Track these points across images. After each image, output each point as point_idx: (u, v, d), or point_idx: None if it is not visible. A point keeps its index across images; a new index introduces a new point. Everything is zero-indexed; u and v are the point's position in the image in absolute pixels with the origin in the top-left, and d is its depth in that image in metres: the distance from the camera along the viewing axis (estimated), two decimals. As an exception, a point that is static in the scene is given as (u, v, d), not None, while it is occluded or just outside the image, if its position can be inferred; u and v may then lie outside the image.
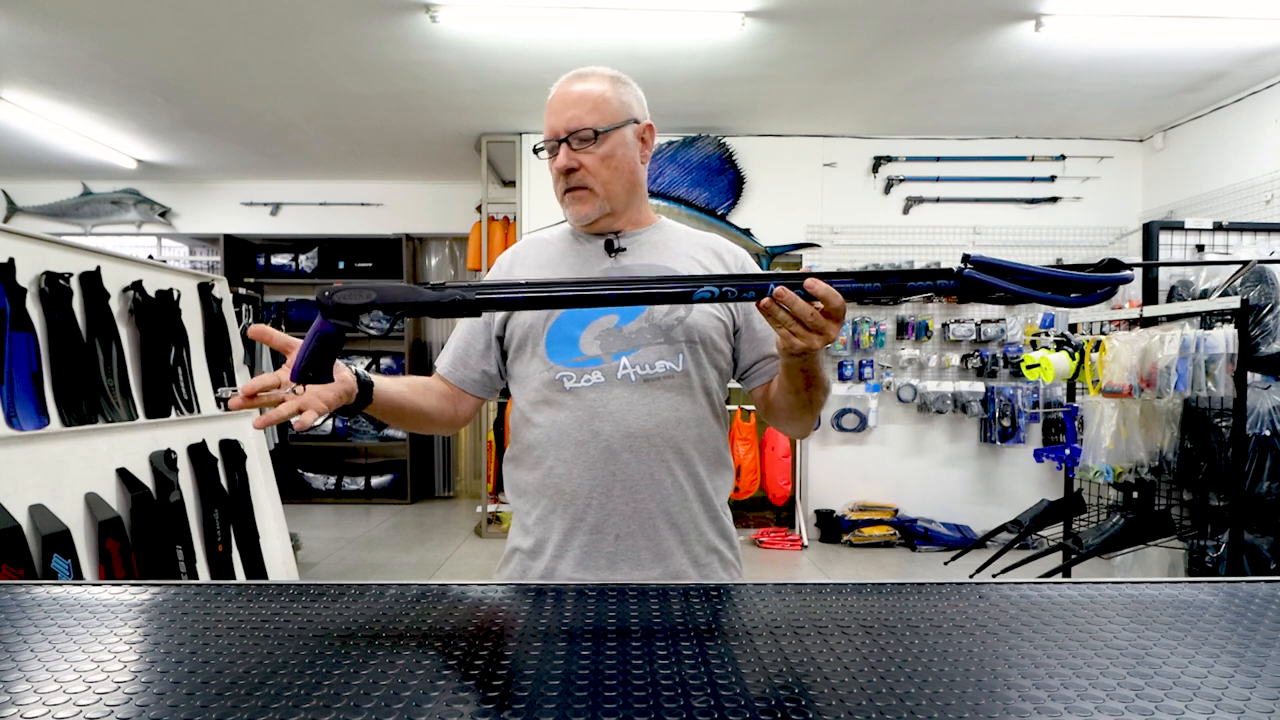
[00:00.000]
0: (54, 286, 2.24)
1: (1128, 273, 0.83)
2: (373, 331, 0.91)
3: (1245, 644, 0.67)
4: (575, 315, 1.10)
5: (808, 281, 0.86)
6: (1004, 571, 3.22)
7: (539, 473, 1.10)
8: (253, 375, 3.96)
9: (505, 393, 1.23)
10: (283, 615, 0.74)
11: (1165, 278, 3.27)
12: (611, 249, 1.14)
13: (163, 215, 6.09)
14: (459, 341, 1.20)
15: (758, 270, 1.23)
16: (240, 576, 2.88)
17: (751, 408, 4.55)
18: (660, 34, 3.48)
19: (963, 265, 0.86)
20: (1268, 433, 2.68)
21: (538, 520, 1.10)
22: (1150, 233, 3.24)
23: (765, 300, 0.86)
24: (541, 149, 1.14)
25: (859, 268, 4.81)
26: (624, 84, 1.15)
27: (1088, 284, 0.83)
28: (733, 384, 1.19)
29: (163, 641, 0.68)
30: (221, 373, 3.11)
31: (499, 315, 1.16)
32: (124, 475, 2.41)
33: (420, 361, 6.40)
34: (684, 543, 1.09)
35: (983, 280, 0.85)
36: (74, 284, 2.34)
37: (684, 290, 0.85)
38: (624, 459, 1.06)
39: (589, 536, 1.06)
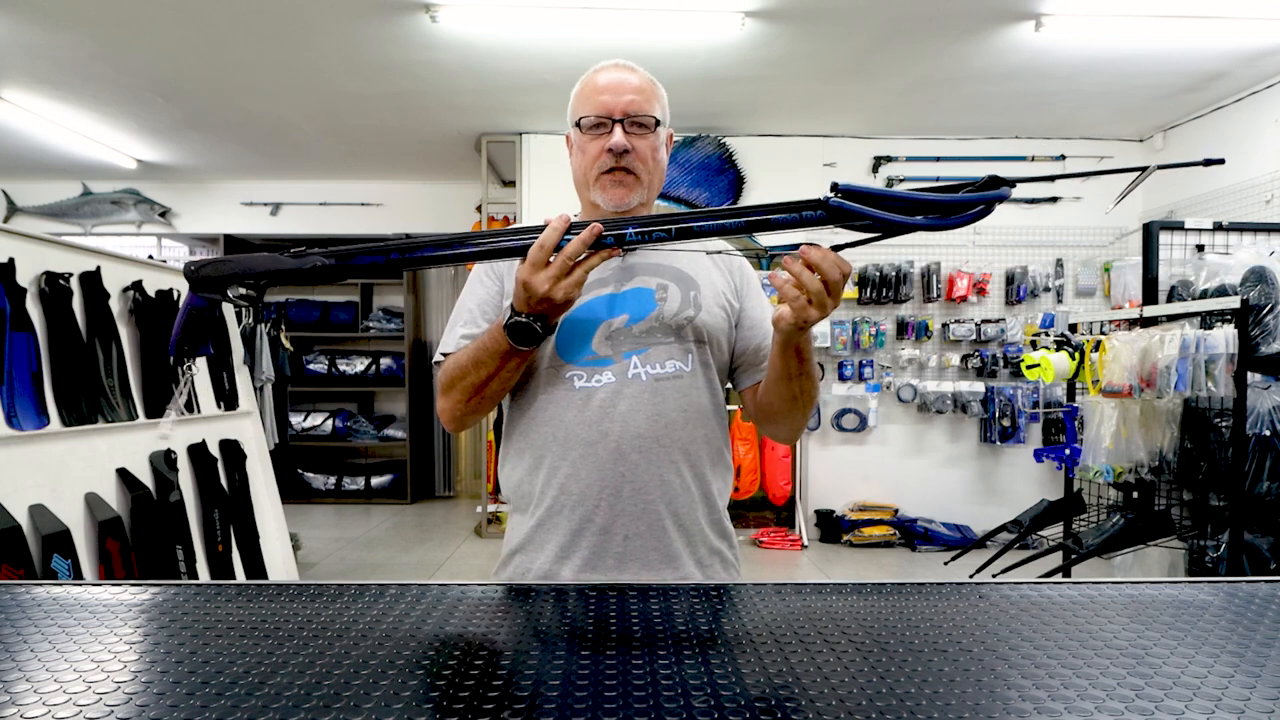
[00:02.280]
0: (54, 286, 2.24)
1: (1005, 189, 0.79)
2: (243, 303, 0.91)
3: (1245, 644, 0.67)
4: (585, 313, 1.08)
5: (802, 250, 0.87)
6: (1004, 571, 3.22)
7: (543, 472, 1.08)
8: (253, 375, 3.96)
9: None
10: (283, 615, 0.74)
11: (1165, 278, 3.26)
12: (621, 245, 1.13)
13: (163, 215, 6.09)
14: (481, 308, 1.13)
15: (756, 279, 1.23)
16: (240, 576, 2.88)
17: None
18: (660, 34, 3.48)
19: (830, 195, 0.83)
20: (1268, 433, 2.68)
21: (540, 521, 1.08)
22: (1150, 233, 3.24)
23: (793, 261, 0.87)
24: (589, 123, 1.09)
25: (859, 268, 4.81)
26: (660, 86, 1.16)
27: (964, 204, 0.79)
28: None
29: (163, 641, 0.68)
30: (221, 373, 3.10)
31: (507, 299, 1.10)
32: (124, 475, 2.41)
33: (421, 361, 6.40)
34: (690, 544, 1.09)
35: (850, 209, 0.81)
36: (74, 284, 2.34)
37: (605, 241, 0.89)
38: (633, 460, 1.05)
39: (597, 538, 1.05)
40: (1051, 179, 0.80)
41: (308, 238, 6.20)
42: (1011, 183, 0.80)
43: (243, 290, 0.89)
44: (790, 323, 0.92)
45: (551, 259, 0.90)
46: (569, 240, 0.89)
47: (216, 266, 0.88)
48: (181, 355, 0.90)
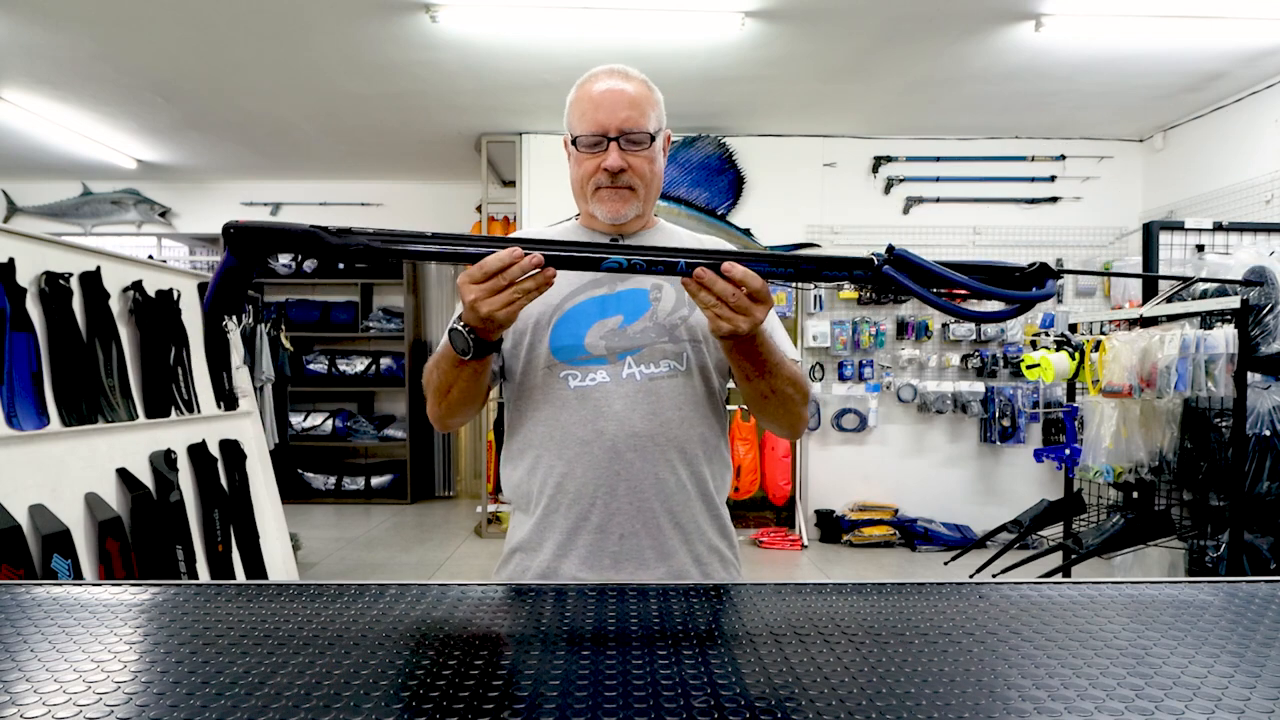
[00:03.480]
0: (54, 286, 2.23)
1: (1050, 288, 0.82)
2: (280, 270, 0.91)
3: (1245, 644, 0.67)
4: (580, 313, 1.09)
5: (725, 265, 0.87)
6: (1004, 571, 3.22)
7: (540, 472, 1.09)
8: (253, 375, 3.96)
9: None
10: (283, 615, 0.74)
11: (1165, 278, 3.27)
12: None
13: (163, 215, 6.09)
14: None
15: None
16: (240, 576, 2.88)
17: (751, 408, 4.56)
18: (660, 34, 3.48)
19: (885, 256, 0.85)
20: (1268, 433, 2.67)
21: (539, 520, 1.09)
22: (1150, 233, 3.24)
23: (686, 279, 0.88)
24: (585, 141, 1.08)
25: (859, 268, 4.81)
26: (656, 90, 1.15)
27: (1010, 298, 0.83)
28: (731, 383, 1.19)
29: (163, 641, 0.68)
30: (221, 373, 3.10)
31: None
32: (124, 475, 2.41)
33: (421, 361, 6.38)
34: (687, 542, 1.09)
35: (896, 278, 0.84)
36: (74, 284, 2.34)
37: (595, 256, 0.88)
38: (628, 458, 1.06)
39: (593, 536, 1.06)
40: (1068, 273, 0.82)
41: (308, 238, 6.19)
42: (1058, 274, 0.84)
43: (278, 260, 0.88)
44: (714, 333, 0.93)
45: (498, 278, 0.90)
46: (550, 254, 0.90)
47: (257, 227, 0.88)
48: (217, 314, 0.90)
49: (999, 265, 0.84)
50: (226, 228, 0.87)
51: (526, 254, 0.88)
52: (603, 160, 1.08)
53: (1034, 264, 0.82)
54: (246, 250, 0.88)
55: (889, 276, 0.84)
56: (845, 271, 0.86)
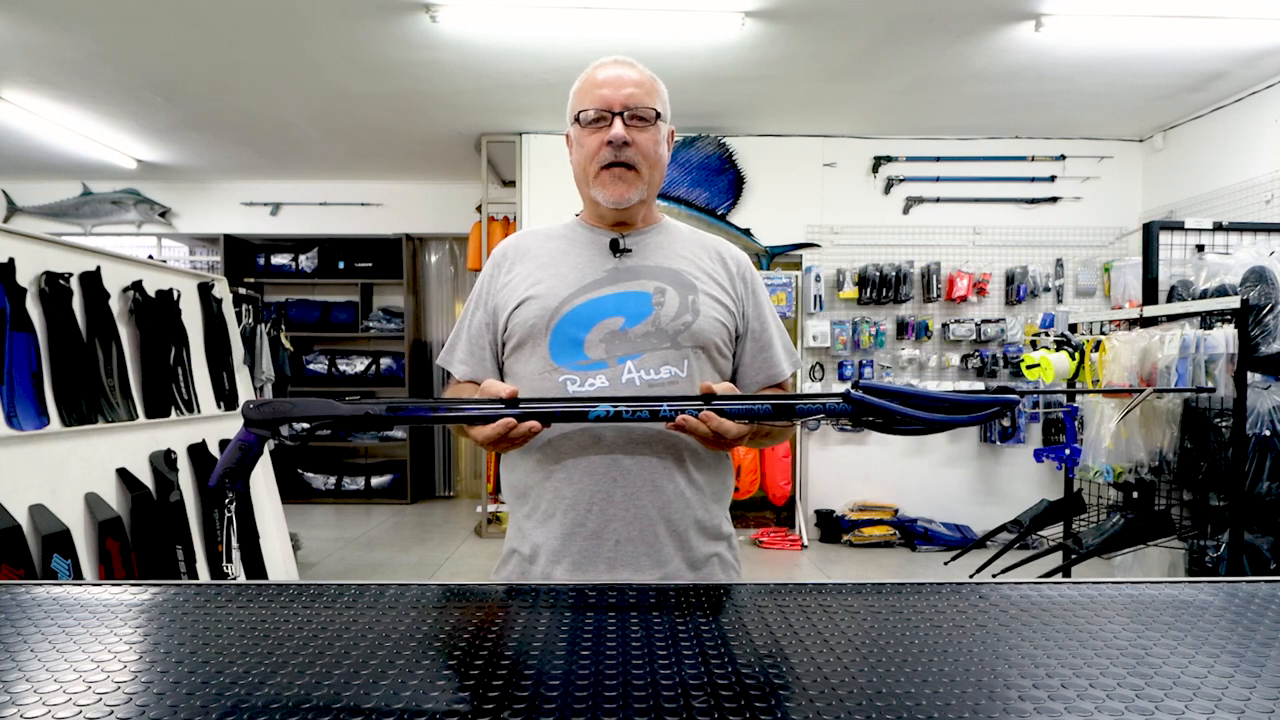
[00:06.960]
0: (54, 286, 2.24)
1: (1014, 395, 0.89)
2: (289, 443, 0.98)
3: (1245, 644, 0.67)
4: (580, 315, 1.08)
5: (702, 415, 0.95)
6: (1004, 571, 3.22)
7: (538, 476, 1.09)
8: (253, 375, 3.96)
9: None
10: (283, 615, 0.74)
11: (1165, 278, 3.26)
12: (616, 248, 1.13)
13: (163, 215, 6.09)
14: (470, 343, 1.18)
15: (757, 276, 1.22)
16: (240, 576, 2.88)
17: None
18: (660, 34, 3.49)
19: (851, 390, 0.92)
20: (1268, 433, 2.67)
21: (537, 524, 1.09)
22: (1150, 233, 3.24)
23: (670, 424, 0.95)
24: (588, 117, 1.08)
25: (859, 268, 4.82)
26: (660, 83, 1.15)
27: (976, 405, 0.88)
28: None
29: (163, 641, 0.68)
30: (221, 373, 3.10)
31: (501, 313, 1.14)
32: (124, 475, 2.41)
33: (420, 361, 6.40)
34: (683, 548, 1.08)
35: (871, 402, 0.90)
36: (74, 284, 2.34)
37: (579, 410, 0.94)
38: (625, 465, 1.05)
39: (588, 542, 1.06)
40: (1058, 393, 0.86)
41: (308, 237, 6.21)
42: (1020, 394, 0.91)
43: (289, 431, 0.96)
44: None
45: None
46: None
47: (274, 408, 0.95)
48: (223, 486, 0.93)
49: (962, 396, 0.90)
50: (246, 406, 0.94)
51: (520, 420, 0.95)
52: (606, 135, 1.07)
53: (996, 387, 0.89)
54: (263, 426, 0.94)
55: (862, 401, 0.90)
56: (820, 405, 0.93)
